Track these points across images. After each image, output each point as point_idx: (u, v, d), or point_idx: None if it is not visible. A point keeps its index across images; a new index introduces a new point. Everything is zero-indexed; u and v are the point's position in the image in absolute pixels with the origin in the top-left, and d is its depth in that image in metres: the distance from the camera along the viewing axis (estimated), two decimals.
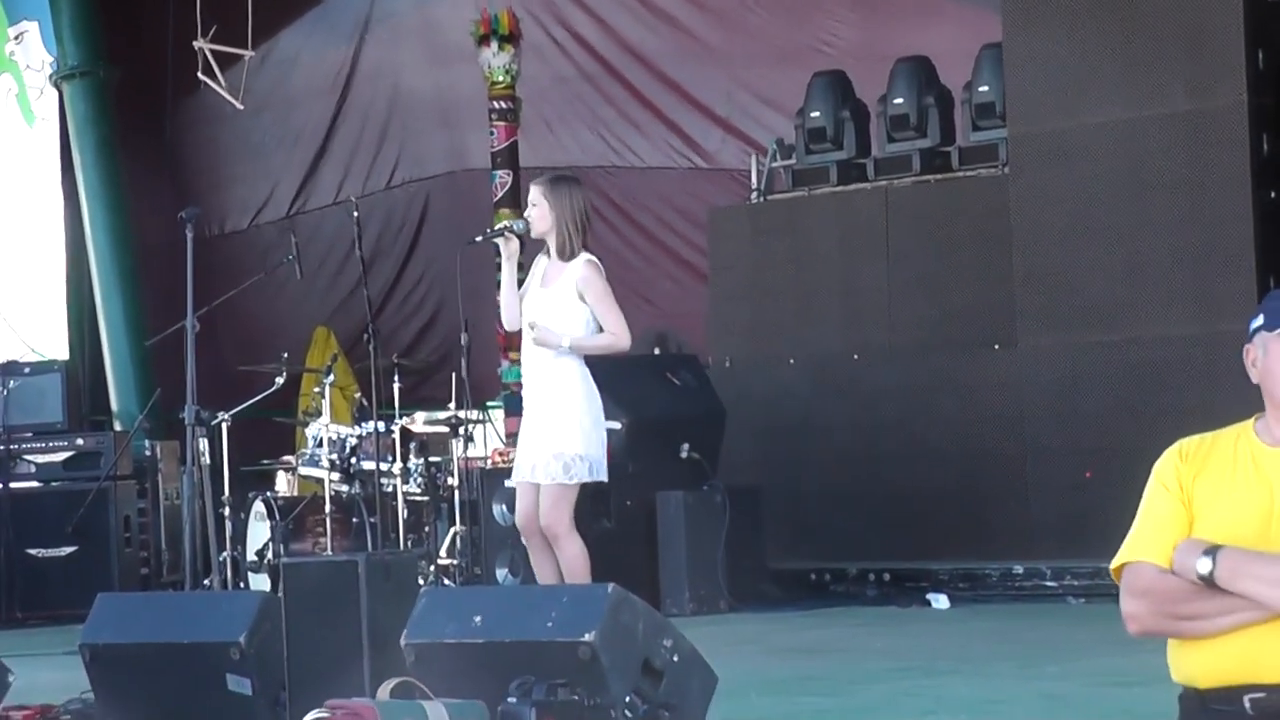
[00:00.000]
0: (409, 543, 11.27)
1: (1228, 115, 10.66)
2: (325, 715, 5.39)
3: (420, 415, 12.56)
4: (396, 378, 11.53)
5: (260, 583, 11.34)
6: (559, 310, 8.40)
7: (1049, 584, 10.87)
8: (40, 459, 12.49)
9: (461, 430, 11.47)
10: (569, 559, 8.30)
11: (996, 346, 11.63)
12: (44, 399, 12.62)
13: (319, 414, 11.72)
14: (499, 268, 9.51)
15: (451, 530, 11.42)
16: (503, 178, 14.66)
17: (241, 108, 14.95)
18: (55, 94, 15.48)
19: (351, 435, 11.52)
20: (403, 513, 11.26)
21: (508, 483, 9.14)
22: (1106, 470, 10.62)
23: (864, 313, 12.29)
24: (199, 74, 14.49)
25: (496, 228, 9.13)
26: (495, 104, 14.74)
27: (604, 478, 8.52)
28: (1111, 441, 10.75)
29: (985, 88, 11.87)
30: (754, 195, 13.10)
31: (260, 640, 6.20)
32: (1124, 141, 10.99)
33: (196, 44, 14.34)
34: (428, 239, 16.50)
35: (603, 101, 15.58)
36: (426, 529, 11.73)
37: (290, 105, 16.84)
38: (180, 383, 9.04)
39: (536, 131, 15.31)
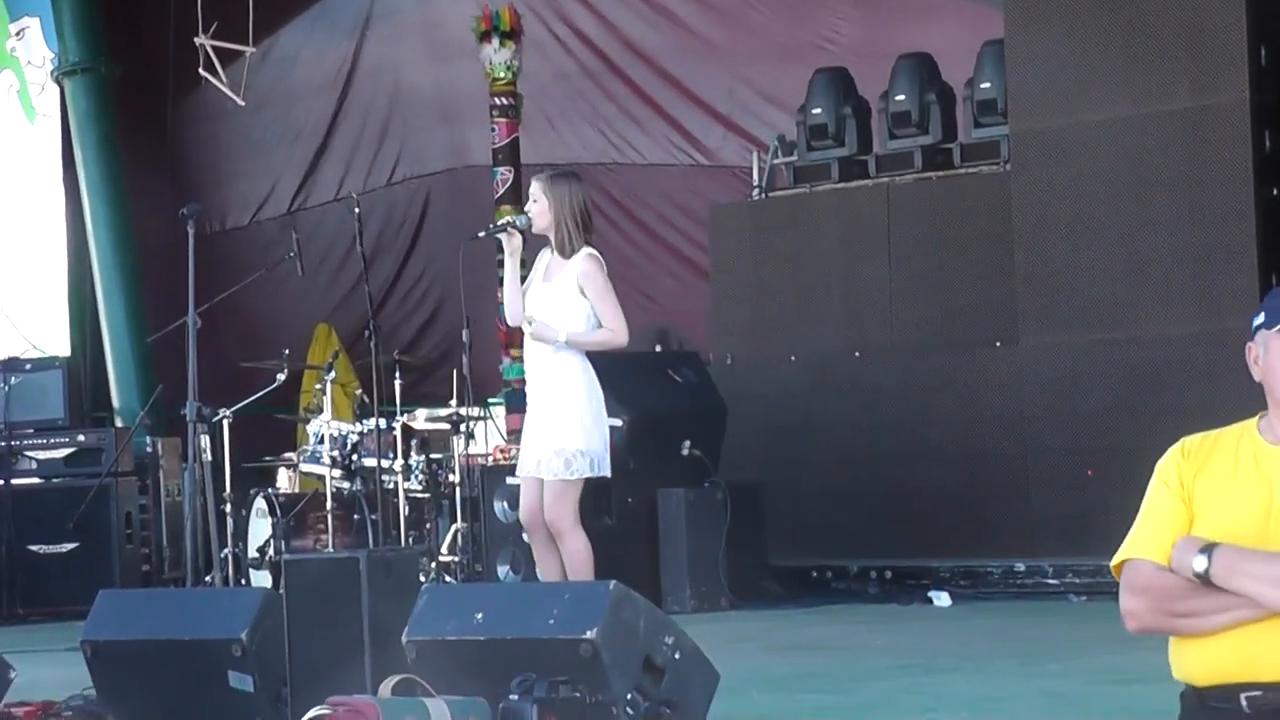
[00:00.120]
0: (410, 540, 11.26)
1: (1230, 112, 10.64)
2: (327, 712, 5.39)
3: (421, 412, 12.56)
4: (398, 374, 11.53)
5: (262, 579, 11.35)
6: (560, 305, 8.40)
7: (1051, 581, 10.85)
8: (41, 455, 12.49)
9: (463, 427, 11.46)
10: (573, 554, 8.31)
11: (998, 344, 11.61)
12: (45, 395, 12.62)
13: (320, 411, 11.73)
14: (501, 264, 9.52)
15: (453, 527, 11.42)
16: (504, 174, 14.64)
17: (243, 104, 14.93)
18: (56, 90, 15.45)
19: (353, 432, 11.52)
20: (404, 510, 11.25)
21: (510, 479, 9.14)
22: (1108, 468, 10.61)
23: (865, 310, 12.28)
24: (200, 70, 14.47)
25: (499, 223, 9.12)
26: (496, 100, 14.72)
27: (607, 473, 8.51)
28: (1112, 440, 10.74)
29: (987, 84, 11.86)
30: (755, 192, 13.10)
31: (262, 637, 6.20)
32: (1126, 138, 10.97)
33: (198, 40, 14.32)
34: (429, 235, 16.50)
35: (604, 98, 15.56)
36: (428, 526, 11.72)
37: (291, 101, 16.83)
38: (182, 379, 9.05)
39: (538, 128, 15.30)
